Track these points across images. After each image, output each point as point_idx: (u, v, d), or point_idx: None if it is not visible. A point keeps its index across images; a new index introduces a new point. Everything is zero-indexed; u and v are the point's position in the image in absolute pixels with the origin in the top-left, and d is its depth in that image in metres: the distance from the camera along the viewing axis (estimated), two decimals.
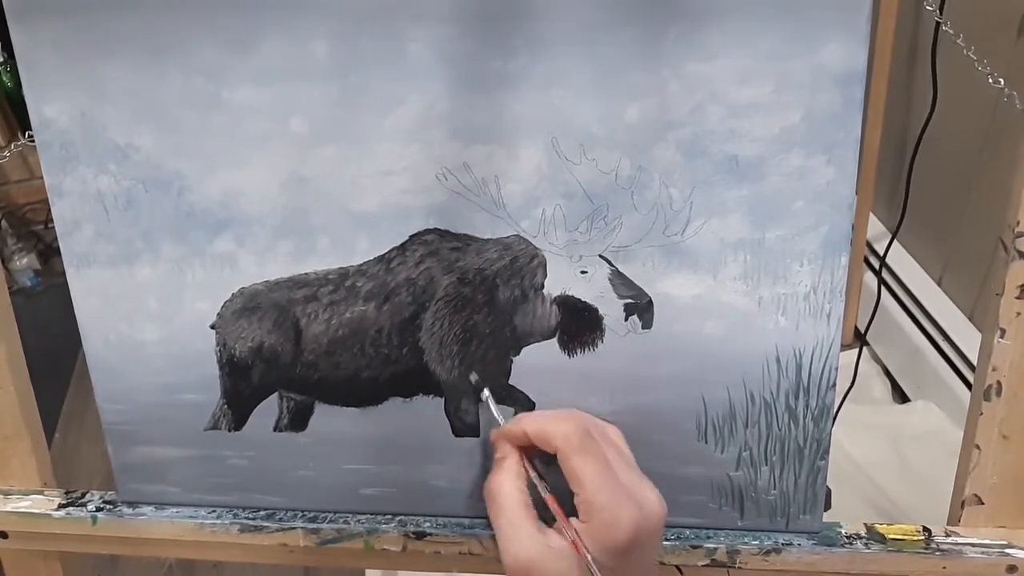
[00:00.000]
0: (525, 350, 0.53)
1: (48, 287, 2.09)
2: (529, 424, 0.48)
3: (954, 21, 0.55)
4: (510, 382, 0.54)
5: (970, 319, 1.39)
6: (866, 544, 0.55)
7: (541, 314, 0.52)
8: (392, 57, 0.48)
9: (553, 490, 0.48)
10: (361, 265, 0.53)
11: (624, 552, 0.45)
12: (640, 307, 0.51)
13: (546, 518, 0.48)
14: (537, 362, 0.53)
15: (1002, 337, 0.52)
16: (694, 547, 0.56)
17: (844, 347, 1.48)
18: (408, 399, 0.55)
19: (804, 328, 0.51)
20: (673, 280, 0.51)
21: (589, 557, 0.45)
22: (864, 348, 1.43)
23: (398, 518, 0.58)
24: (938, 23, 0.57)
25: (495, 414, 0.52)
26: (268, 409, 0.57)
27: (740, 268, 0.50)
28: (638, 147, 0.49)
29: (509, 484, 0.48)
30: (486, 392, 0.52)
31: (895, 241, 1.38)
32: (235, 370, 0.56)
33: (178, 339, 0.55)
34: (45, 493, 0.62)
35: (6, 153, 0.57)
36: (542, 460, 0.49)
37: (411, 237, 0.52)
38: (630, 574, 0.46)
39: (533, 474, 0.49)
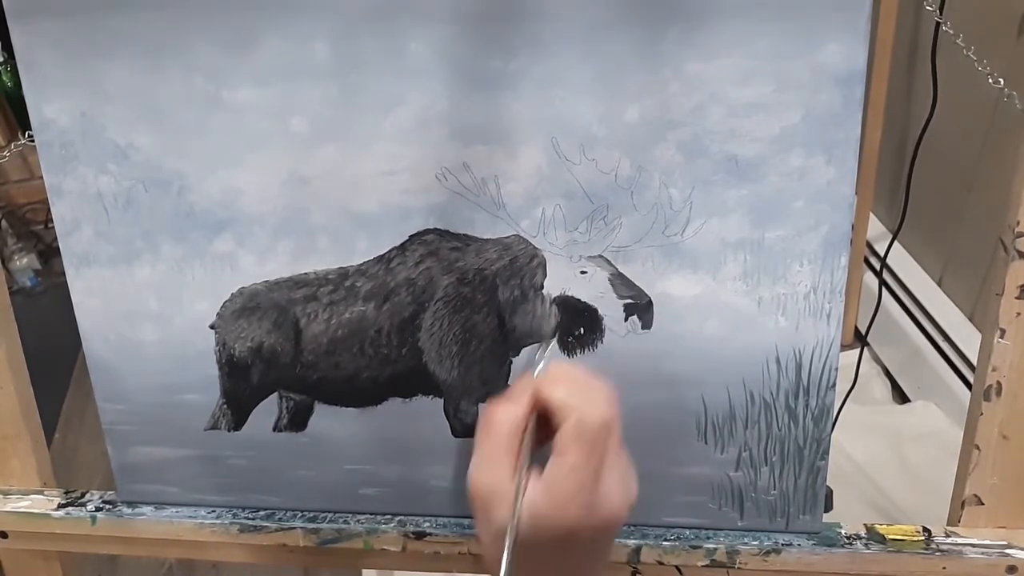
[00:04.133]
0: (525, 351, 0.53)
1: (48, 287, 2.10)
2: (557, 395, 0.44)
3: (954, 21, 0.55)
4: (510, 383, 0.54)
5: (970, 319, 1.39)
6: (866, 545, 0.55)
7: (541, 314, 0.52)
8: (392, 57, 0.48)
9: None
10: (361, 265, 0.53)
11: (556, 533, 0.43)
12: (640, 307, 0.51)
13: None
14: None
15: (1002, 337, 0.52)
16: (694, 547, 0.56)
17: (844, 347, 1.47)
18: (407, 399, 0.55)
19: (804, 328, 0.51)
20: (673, 280, 0.51)
21: (515, 520, 0.43)
22: (864, 348, 1.43)
23: (398, 518, 0.58)
24: (938, 23, 0.57)
25: (539, 364, 0.48)
26: (268, 409, 0.57)
27: (740, 268, 0.50)
28: (638, 147, 0.49)
29: (508, 421, 0.45)
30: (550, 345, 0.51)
31: (895, 241, 1.37)
32: (235, 370, 0.56)
33: (178, 339, 0.55)
34: (45, 493, 0.62)
35: (6, 153, 0.57)
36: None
37: (411, 237, 0.52)
38: (553, 555, 0.44)
39: (529, 428, 0.45)
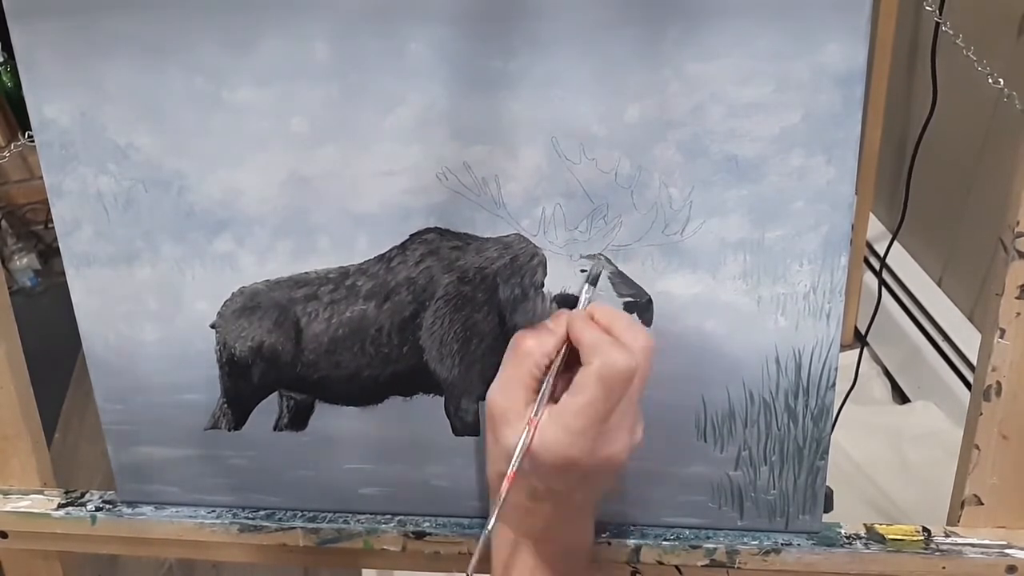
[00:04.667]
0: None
1: (48, 287, 2.10)
2: (588, 336, 0.46)
3: (954, 21, 0.55)
4: None
5: (970, 319, 1.39)
6: (866, 544, 0.55)
7: (541, 313, 0.52)
8: (392, 57, 0.48)
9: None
10: (361, 264, 0.53)
11: (558, 462, 0.45)
12: (640, 306, 0.51)
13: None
14: None
15: (1002, 337, 0.52)
16: (693, 547, 0.56)
17: (844, 347, 1.47)
18: (408, 398, 0.55)
19: (804, 328, 0.51)
20: (673, 279, 0.51)
21: (519, 446, 0.45)
22: (864, 348, 1.43)
23: (398, 518, 0.58)
24: (938, 23, 0.57)
25: (581, 300, 0.50)
26: (268, 409, 0.57)
27: (740, 268, 0.50)
28: (638, 147, 0.49)
29: (537, 351, 0.47)
30: (592, 285, 0.50)
31: (895, 241, 1.37)
32: (235, 370, 0.56)
33: (178, 339, 0.55)
34: (45, 493, 0.62)
35: (6, 153, 0.57)
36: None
37: (411, 236, 0.52)
38: (555, 479, 0.46)
39: (557, 362, 0.47)
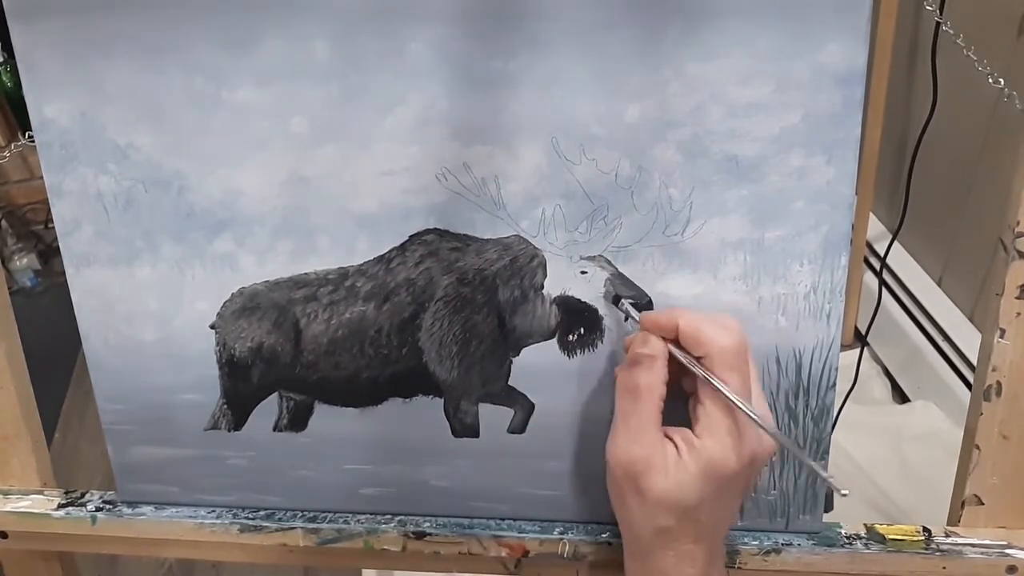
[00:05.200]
0: (525, 351, 0.53)
1: (48, 287, 2.10)
2: (685, 322, 0.45)
3: (954, 21, 0.55)
4: (509, 383, 0.54)
5: (970, 319, 1.39)
6: (866, 544, 0.55)
7: (541, 314, 0.52)
8: (392, 57, 0.48)
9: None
10: (361, 265, 0.53)
11: (723, 480, 0.44)
12: (640, 307, 0.51)
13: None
14: (537, 363, 0.53)
15: (1002, 337, 0.52)
16: None
17: (844, 347, 1.48)
18: (407, 399, 0.55)
19: (804, 328, 0.51)
20: (673, 280, 0.51)
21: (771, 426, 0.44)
22: (864, 348, 1.44)
23: (398, 518, 0.58)
24: (938, 23, 0.57)
25: (634, 315, 0.49)
26: (268, 409, 0.57)
27: (740, 268, 0.50)
28: (638, 147, 0.49)
29: (658, 384, 0.45)
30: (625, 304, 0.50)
31: (895, 241, 1.38)
32: (235, 370, 0.56)
33: (178, 339, 0.55)
34: (45, 493, 0.62)
35: (6, 153, 0.57)
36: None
37: (411, 237, 0.52)
38: (715, 504, 0.45)
39: (700, 370, 0.45)
